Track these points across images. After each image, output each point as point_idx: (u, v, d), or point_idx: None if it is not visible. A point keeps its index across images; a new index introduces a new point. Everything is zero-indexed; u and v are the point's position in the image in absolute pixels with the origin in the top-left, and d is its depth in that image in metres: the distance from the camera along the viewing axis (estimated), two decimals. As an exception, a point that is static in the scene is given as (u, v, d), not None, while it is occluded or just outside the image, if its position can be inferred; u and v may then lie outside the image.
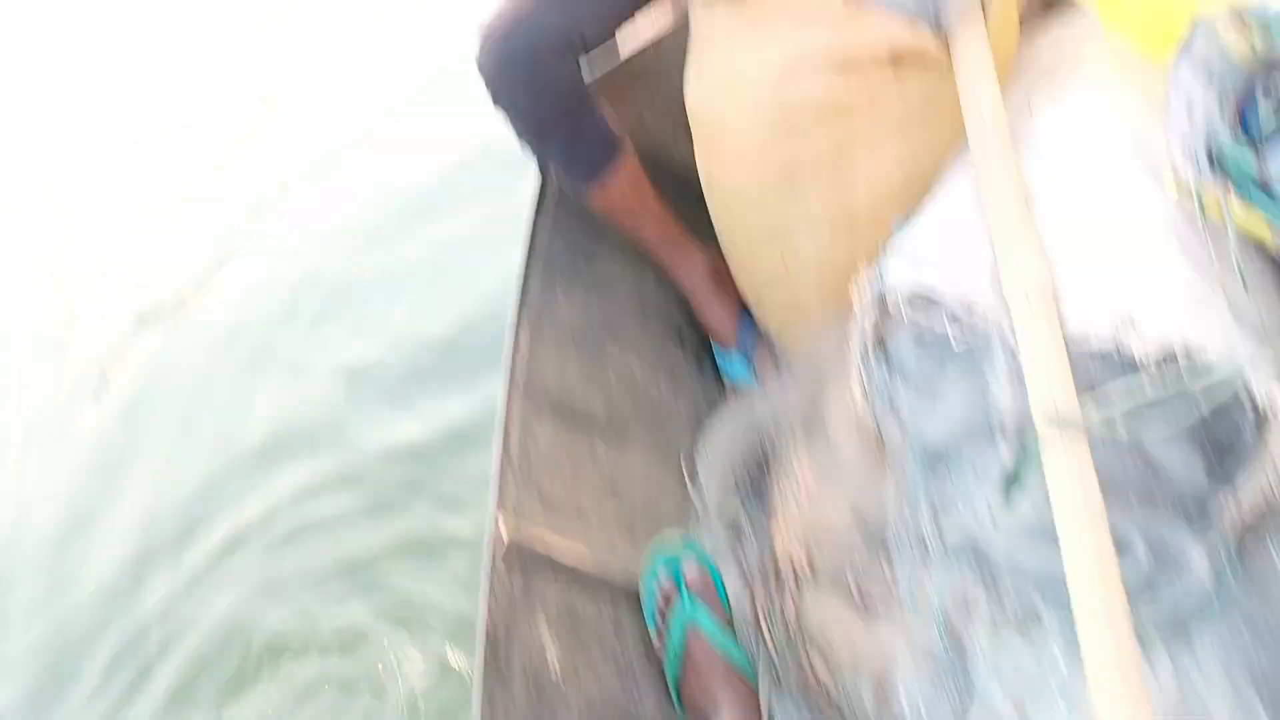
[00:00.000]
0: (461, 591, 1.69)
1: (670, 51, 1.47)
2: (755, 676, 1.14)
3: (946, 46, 1.18)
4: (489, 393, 1.34)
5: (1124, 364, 0.87)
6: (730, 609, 1.20)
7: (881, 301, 1.02)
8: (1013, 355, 0.91)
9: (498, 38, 1.32)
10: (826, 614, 1.12)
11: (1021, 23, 1.27)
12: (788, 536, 1.21)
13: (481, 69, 1.33)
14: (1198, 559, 0.88)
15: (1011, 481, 0.92)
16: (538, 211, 1.47)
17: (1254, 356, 0.85)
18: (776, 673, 1.14)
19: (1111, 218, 0.97)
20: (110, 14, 4.16)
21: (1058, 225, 0.96)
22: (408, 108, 2.99)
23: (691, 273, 1.51)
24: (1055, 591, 0.85)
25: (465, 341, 2.15)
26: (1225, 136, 0.95)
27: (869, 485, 1.10)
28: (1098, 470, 0.83)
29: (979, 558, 0.98)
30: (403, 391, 2.13)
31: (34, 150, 3.68)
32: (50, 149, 3.64)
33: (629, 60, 1.54)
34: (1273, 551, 0.89)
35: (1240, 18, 0.97)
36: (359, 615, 1.75)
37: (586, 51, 1.37)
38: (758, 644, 1.17)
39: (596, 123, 1.40)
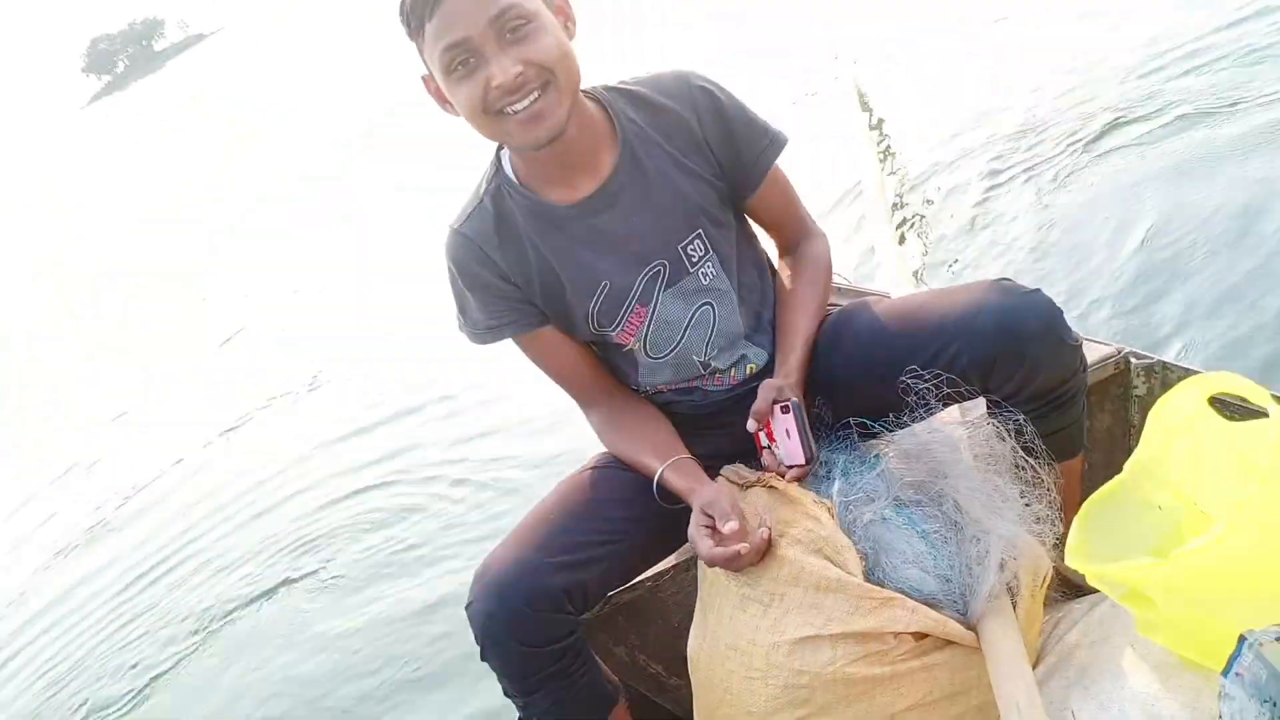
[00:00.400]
0: None
1: (668, 590, 1.40)
2: None
3: (974, 631, 1.12)
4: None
5: None
6: None
7: None
8: None
9: (493, 590, 1.16)
10: None
11: (1046, 605, 1.22)
12: None
13: (471, 619, 1.18)
14: None
15: None
16: None
17: None
18: None
19: None
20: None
21: None
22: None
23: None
24: None
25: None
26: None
27: None
28: None
29: None
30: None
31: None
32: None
33: (625, 594, 1.41)
34: None
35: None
36: None
37: (588, 609, 1.23)
38: None
39: (590, 679, 1.25)
